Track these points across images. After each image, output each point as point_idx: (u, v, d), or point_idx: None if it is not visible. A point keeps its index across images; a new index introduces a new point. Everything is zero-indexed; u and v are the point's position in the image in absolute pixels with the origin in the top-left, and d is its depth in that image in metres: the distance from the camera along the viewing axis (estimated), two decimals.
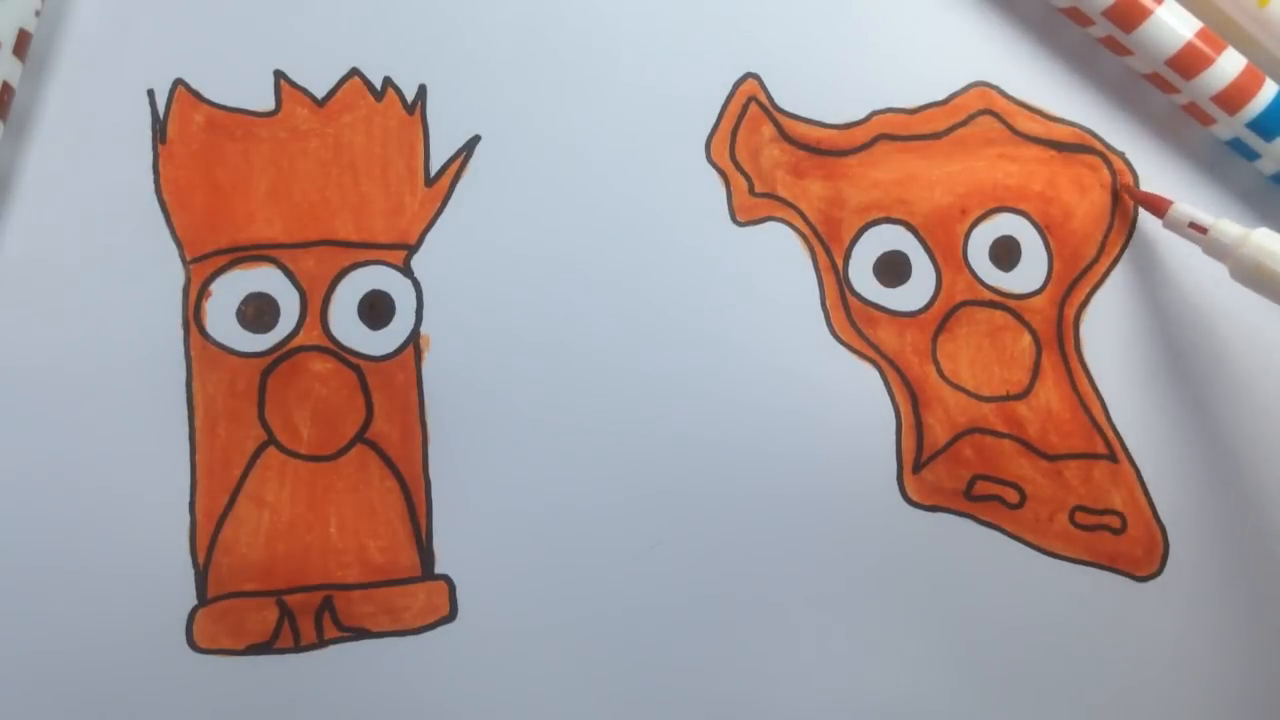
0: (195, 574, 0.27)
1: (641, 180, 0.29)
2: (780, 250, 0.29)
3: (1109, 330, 0.29)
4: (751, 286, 0.29)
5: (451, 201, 0.29)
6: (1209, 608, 0.29)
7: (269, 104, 0.28)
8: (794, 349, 0.29)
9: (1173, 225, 0.28)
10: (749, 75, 0.29)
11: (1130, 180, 0.30)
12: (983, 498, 0.29)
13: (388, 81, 0.29)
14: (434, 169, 0.29)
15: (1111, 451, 0.29)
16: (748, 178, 0.29)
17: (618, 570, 0.28)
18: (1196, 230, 0.27)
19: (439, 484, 0.28)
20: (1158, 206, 0.28)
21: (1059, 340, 0.29)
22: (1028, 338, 0.29)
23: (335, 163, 0.28)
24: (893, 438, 0.29)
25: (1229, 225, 0.27)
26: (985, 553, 0.29)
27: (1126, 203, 0.30)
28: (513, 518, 0.28)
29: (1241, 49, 0.28)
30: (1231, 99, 0.28)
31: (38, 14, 0.27)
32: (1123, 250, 0.30)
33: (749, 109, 0.29)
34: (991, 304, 0.29)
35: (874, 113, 0.29)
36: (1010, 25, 0.30)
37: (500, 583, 0.28)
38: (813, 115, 0.29)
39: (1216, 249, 0.27)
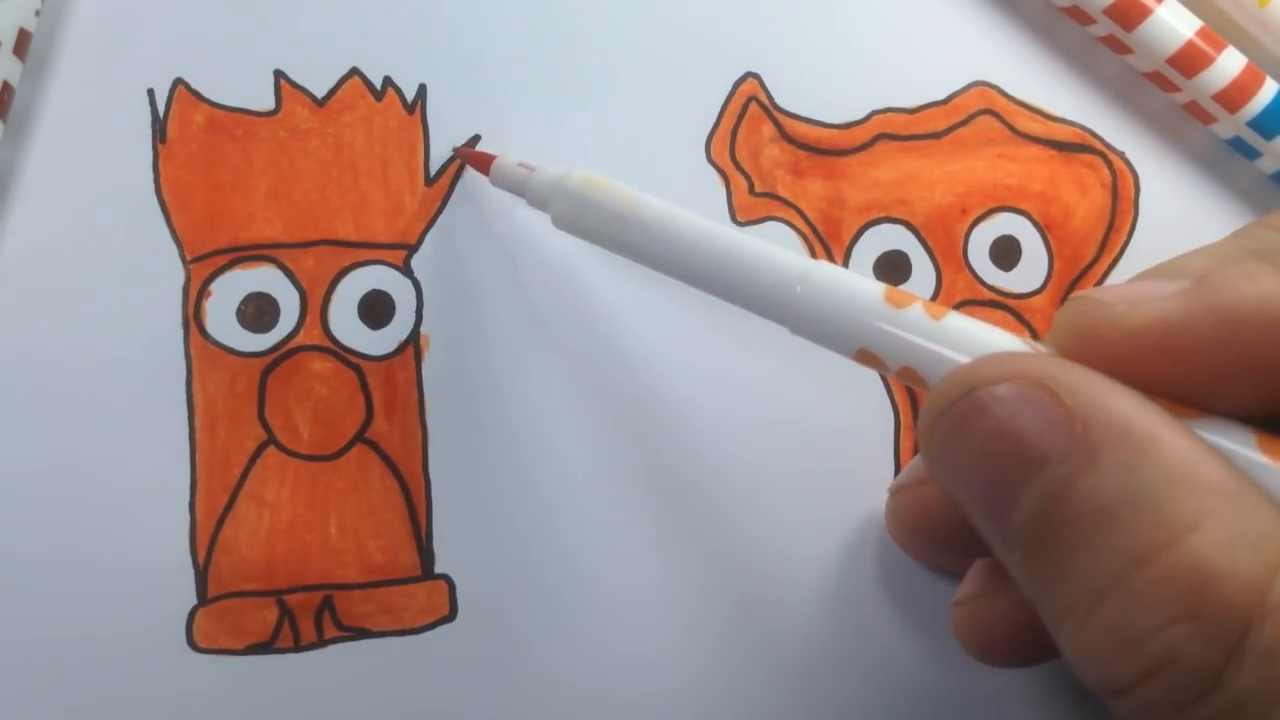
0: (195, 574, 0.27)
1: (641, 180, 0.29)
2: None
3: None
4: None
5: (451, 201, 0.29)
6: None
7: (269, 104, 0.28)
8: (793, 349, 0.29)
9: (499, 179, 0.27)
10: (749, 75, 0.29)
11: (1131, 183, 0.30)
12: None
13: (388, 81, 0.29)
14: (434, 169, 0.29)
15: None
16: (748, 177, 0.29)
17: (617, 570, 0.28)
18: (526, 169, 0.26)
19: (439, 484, 0.28)
20: (483, 162, 0.27)
21: None
22: (1028, 338, 0.29)
23: (335, 162, 0.28)
24: (891, 437, 0.29)
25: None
26: None
27: (1127, 202, 0.30)
28: (513, 518, 0.28)
29: (1242, 48, 0.28)
30: (1232, 97, 0.28)
31: (38, 14, 0.28)
32: (1123, 250, 0.30)
33: (749, 109, 0.29)
34: (992, 303, 0.29)
35: (874, 112, 0.29)
36: (1010, 25, 0.30)
37: (500, 583, 0.28)
38: (813, 115, 0.29)
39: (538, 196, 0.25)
